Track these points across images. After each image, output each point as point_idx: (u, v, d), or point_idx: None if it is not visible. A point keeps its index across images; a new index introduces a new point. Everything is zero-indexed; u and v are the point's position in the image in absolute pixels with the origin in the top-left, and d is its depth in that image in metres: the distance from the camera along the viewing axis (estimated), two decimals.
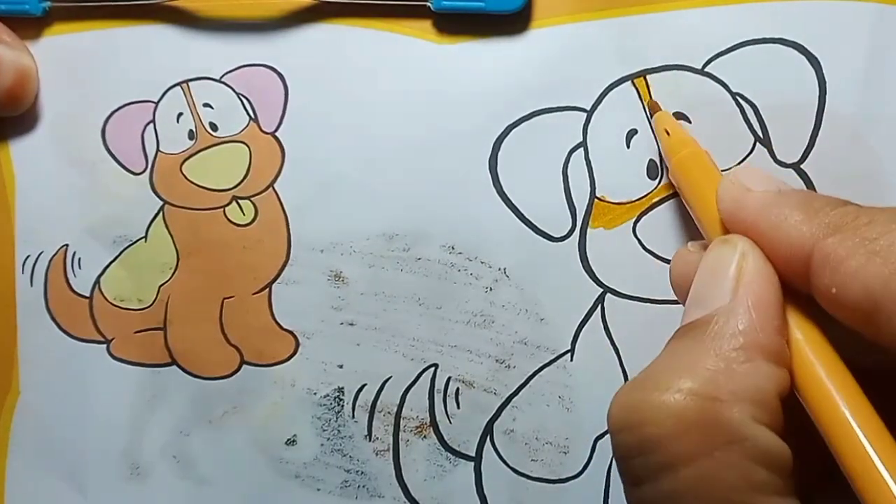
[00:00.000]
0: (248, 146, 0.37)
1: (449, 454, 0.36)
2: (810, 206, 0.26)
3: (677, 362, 0.25)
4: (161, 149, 0.37)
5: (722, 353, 0.24)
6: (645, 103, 0.34)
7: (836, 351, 0.25)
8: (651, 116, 0.34)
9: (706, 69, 0.35)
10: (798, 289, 0.26)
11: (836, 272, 0.24)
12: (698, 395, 0.24)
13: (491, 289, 0.36)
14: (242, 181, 0.37)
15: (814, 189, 0.34)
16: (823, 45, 0.34)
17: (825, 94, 0.34)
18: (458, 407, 0.36)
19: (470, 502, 0.36)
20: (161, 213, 0.37)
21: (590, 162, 0.35)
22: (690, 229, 0.34)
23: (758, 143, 0.34)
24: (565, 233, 0.35)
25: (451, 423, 0.36)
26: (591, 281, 0.35)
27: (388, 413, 0.36)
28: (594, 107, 0.35)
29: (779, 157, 0.34)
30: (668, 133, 0.33)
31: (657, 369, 0.25)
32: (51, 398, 0.38)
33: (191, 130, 0.37)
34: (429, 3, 0.35)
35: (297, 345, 0.37)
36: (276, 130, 0.37)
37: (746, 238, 0.27)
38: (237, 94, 0.37)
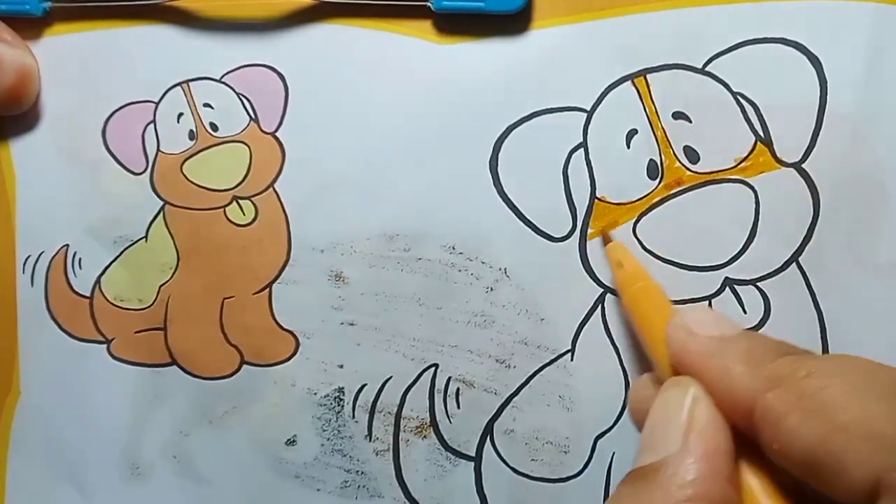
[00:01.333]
0: (248, 146, 0.37)
1: (449, 454, 0.36)
2: (752, 356, 0.26)
3: None
4: (161, 149, 0.37)
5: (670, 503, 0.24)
6: (601, 236, 0.35)
7: (788, 499, 0.25)
8: (604, 245, 0.35)
9: (707, 69, 0.34)
10: (747, 435, 0.25)
11: (776, 429, 0.24)
12: None
13: (491, 289, 0.36)
14: (243, 181, 0.37)
15: (815, 190, 0.34)
16: (824, 44, 0.34)
17: (826, 93, 0.34)
18: (459, 407, 0.36)
19: (470, 502, 0.36)
20: (161, 214, 0.37)
21: (590, 162, 0.35)
22: (690, 229, 0.34)
23: (759, 143, 0.34)
24: (565, 233, 0.35)
25: (451, 423, 0.36)
26: (591, 281, 0.35)
27: (389, 413, 0.36)
28: (594, 107, 0.35)
29: (780, 157, 0.34)
30: (621, 265, 0.33)
31: None
32: (51, 398, 0.38)
33: (191, 130, 0.37)
34: (429, 3, 0.35)
35: (298, 345, 0.37)
36: (276, 130, 0.37)
37: (697, 382, 0.27)
38: (237, 94, 0.37)
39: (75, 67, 0.37)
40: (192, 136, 0.37)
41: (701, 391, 0.26)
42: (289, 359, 0.37)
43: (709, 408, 0.26)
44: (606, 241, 0.35)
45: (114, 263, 0.37)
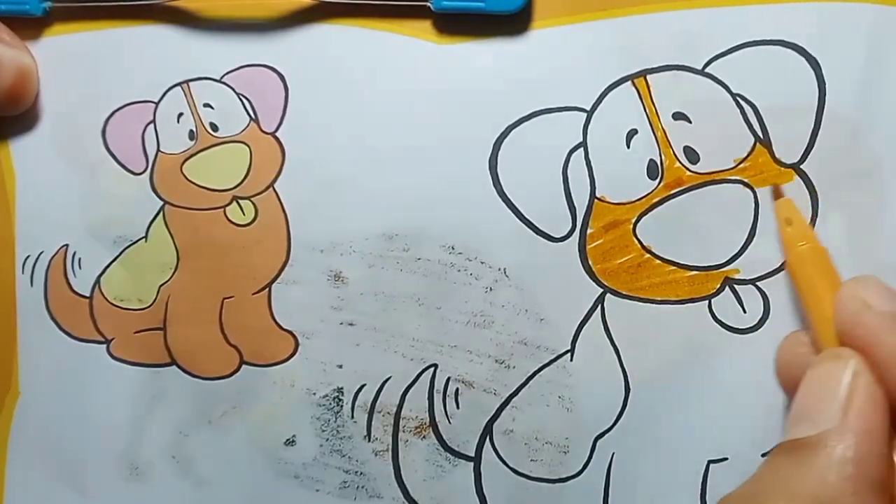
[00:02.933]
0: (248, 146, 0.37)
1: (448, 454, 0.36)
2: None
3: (782, 484, 0.25)
4: (161, 149, 0.37)
5: (829, 482, 0.24)
6: (773, 188, 0.34)
7: None
8: (774, 199, 0.34)
9: (706, 70, 0.35)
10: None
11: None
12: None
13: (491, 289, 0.36)
14: (243, 181, 0.37)
15: (814, 190, 0.34)
16: (823, 46, 0.34)
17: (825, 94, 0.34)
18: (458, 407, 0.36)
19: (469, 502, 0.36)
20: (161, 214, 0.37)
21: (590, 162, 0.35)
22: (690, 229, 0.34)
23: (758, 144, 0.34)
24: (565, 233, 0.35)
25: (450, 423, 0.36)
26: (590, 281, 0.35)
27: (388, 413, 0.36)
28: (594, 107, 0.35)
29: (779, 158, 0.34)
30: (790, 222, 0.33)
31: (761, 487, 0.25)
32: (51, 398, 0.38)
33: (191, 130, 0.37)
34: (429, 3, 0.35)
35: (297, 345, 0.37)
36: (276, 130, 0.37)
37: (859, 356, 0.27)
38: (237, 94, 0.37)
39: (75, 67, 0.37)
40: (192, 136, 0.37)
41: (862, 366, 0.26)
42: (288, 359, 0.37)
43: (870, 384, 0.26)
44: (777, 195, 0.34)
45: (113, 263, 0.37)
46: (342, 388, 0.36)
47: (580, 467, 0.35)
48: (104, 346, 0.37)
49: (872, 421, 0.25)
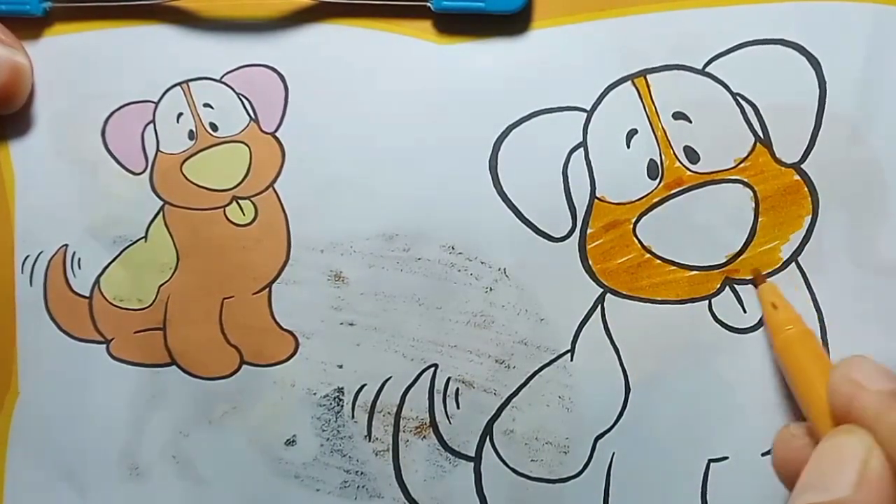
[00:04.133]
0: (248, 146, 0.37)
1: (449, 454, 0.36)
2: None
3: None
4: (161, 149, 0.37)
5: None
6: (753, 276, 0.34)
7: None
8: (756, 287, 0.34)
9: (707, 69, 0.35)
10: None
11: None
12: None
13: (491, 289, 0.36)
14: (242, 181, 0.37)
15: (815, 190, 0.34)
16: (823, 45, 0.34)
17: (825, 94, 0.34)
18: (458, 407, 0.36)
19: (470, 503, 0.36)
20: (161, 214, 0.37)
21: (590, 162, 0.35)
22: (690, 229, 0.34)
23: (758, 144, 0.34)
24: (565, 233, 0.35)
25: (450, 423, 0.36)
26: (591, 281, 0.35)
27: (388, 413, 0.36)
28: (594, 107, 0.35)
29: (779, 157, 0.34)
30: (775, 307, 0.33)
31: None
32: (50, 398, 0.37)
33: (191, 130, 0.37)
34: (429, 3, 0.35)
35: (297, 345, 0.37)
36: (276, 130, 0.37)
37: (870, 434, 0.27)
38: (237, 94, 0.37)
39: (75, 67, 0.37)
40: (191, 135, 0.37)
41: (875, 443, 0.27)
42: (288, 359, 0.37)
43: (883, 461, 0.26)
44: (759, 281, 0.34)
45: (113, 263, 0.37)
46: (342, 388, 0.36)
47: (580, 467, 0.35)
48: (104, 346, 0.37)
49: (885, 496, 0.26)
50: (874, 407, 0.27)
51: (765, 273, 0.34)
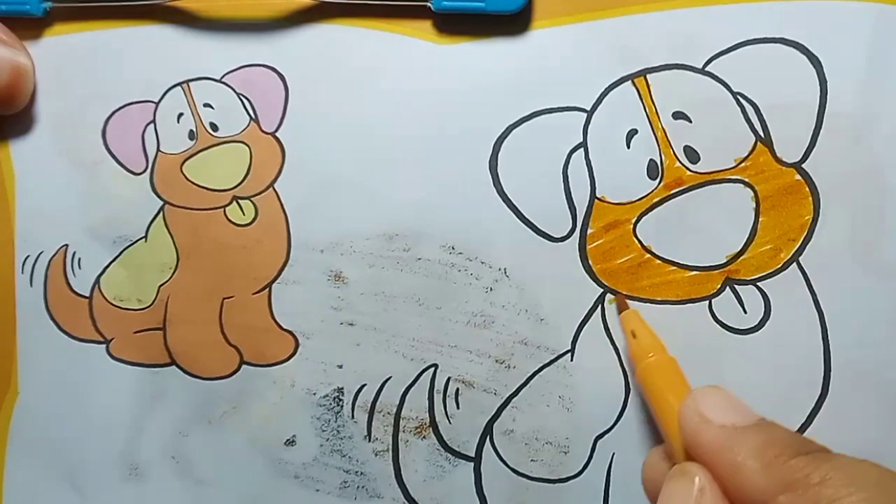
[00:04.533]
0: (248, 146, 0.37)
1: (448, 455, 0.36)
2: (766, 452, 0.26)
3: None
4: (161, 149, 0.37)
5: None
6: (617, 302, 0.35)
7: None
8: (619, 312, 0.34)
9: (707, 69, 0.34)
10: None
11: None
12: None
13: (491, 289, 0.36)
14: (243, 181, 0.37)
15: (815, 190, 0.34)
16: (824, 44, 0.34)
17: (826, 93, 0.34)
18: (458, 407, 0.36)
19: (469, 503, 0.36)
20: (161, 214, 0.37)
21: (590, 162, 0.35)
22: (690, 229, 0.34)
23: (759, 143, 0.34)
24: (565, 233, 0.35)
25: (450, 423, 0.36)
26: (591, 281, 0.35)
27: (388, 413, 0.36)
28: (594, 107, 0.35)
29: (780, 157, 0.34)
30: (634, 335, 0.33)
31: None
32: (50, 398, 0.37)
33: (191, 130, 0.37)
34: (429, 3, 0.35)
35: (297, 345, 0.37)
36: (276, 130, 0.37)
37: (705, 471, 0.27)
38: (237, 94, 0.37)
39: (75, 67, 0.37)
40: (192, 136, 0.37)
41: (707, 482, 0.27)
42: (288, 359, 0.37)
43: (715, 499, 0.26)
44: (622, 308, 0.34)
45: (113, 263, 0.37)
46: (342, 388, 0.36)
47: (580, 467, 0.35)
48: (104, 346, 0.37)
49: None
50: (716, 443, 0.27)
51: (765, 274, 0.34)
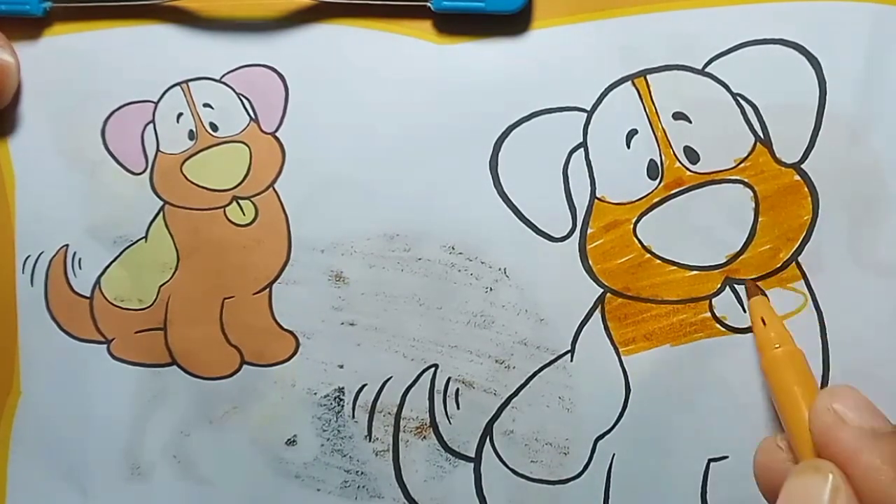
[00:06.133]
0: (248, 146, 0.37)
1: (449, 455, 0.36)
2: None
3: None
4: (161, 149, 0.37)
5: None
6: (747, 285, 0.34)
7: None
8: (748, 298, 0.34)
9: (706, 69, 0.34)
10: None
11: None
12: None
13: (491, 289, 0.36)
14: (243, 181, 0.37)
15: (815, 190, 0.34)
16: (823, 45, 0.34)
17: (825, 94, 0.34)
18: (458, 407, 0.36)
19: (469, 503, 0.36)
20: (161, 214, 0.37)
21: (590, 162, 0.35)
22: (690, 229, 0.34)
23: (758, 143, 0.34)
24: (565, 233, 0.35)
25: (450, 423, 0.36)
26: (591, 281, 0.35)
27: (388, 413, 0.36)
28: (594, 107, 0.35)
29: (779, 157, 0.34)
30: (763, 323, 0.33)
31: None
32: (52, 398, 0.38)
33: (191, 130, 0.37)
34: (429, 3, 0.35)
35: (298, 345, 0.37)
36: (276, 130, 0.37)
37: (838, 470, 0.27)
38: (237, 94, 0.37)
39: (75, 67, 0.37)
40: (191, 136, 0.37)
41: (842, 481, 0.26)
42: (289, 359, 0.37)
43: (849, 500, 0.26)
44: (752, 293, 0.34)
45: (114, 263, 0.37)
46: (343, 388, 0.36)
47: (580, 468, 0.35)
48: (104, 346, 0.37)
49: None
50: (852, 444, 0.27)
51: (764, 273, 0.34)
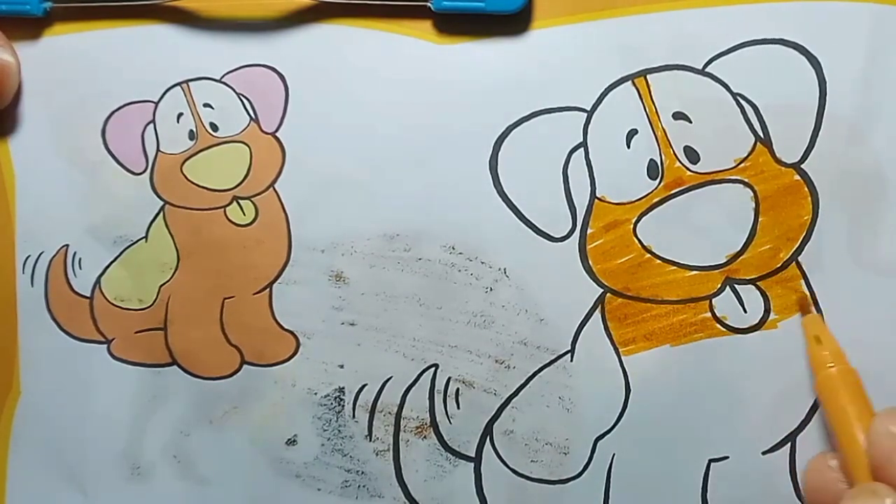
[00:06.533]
0: (248, 146, 0.37)
1: (449, 455, 0.36)
2: None
3: None
4: (161, 149, 0.37)
5: None
6: (800, 302, 0.34)
7: None
8: (802, 315, 0.34)
9: (707, 69, 0.35)
10: None
11: None
12: None
13: (491, 289, 0.36)
14: (243, 181, 0.37)
15: (815, 190, 0.34)
16: (823, 45, 0.34)
17: (825, 94, 0.34)
18: (458, 407, 0.36)
19: (470, 503, 0.36)
20: (161, 214, 0.37)
21: (590, 162, 0.35)
22: (690, 229, 0.34)
23: (758, 143, 0.34)
24: (565, 233, 0.35)
25: (451, 423, 0.36)
26: (590, 281, 0.35)
27: (389, 413, 0.36)
28: (594, 107, 0.35)
29: (779, 157, 0.34)
30: (819, 341, 0.33)
31: None
32: (52, 398, 0.38)
33: (191, 130, 0.37)
34: (429, 3, 0.35)
35: (298, 345, 0.37)
36: (276, 130, 0.37)
37: (894, 493, 0.26)
38: (238, 94, 0.37)
39: (75, 67, 0.37)
40: (192, 136, 0.37)
41: None
42: (289, 359, 0.37)
43: None
44: (805, 310, 0.34)
45: (114, 263, 0.37)
46: (343, 388, 0.36)
47: (580, 468, 0.35)
48: (105, 346, 0.37)
49: None
50: None
51: (765, 273, 0.34)
